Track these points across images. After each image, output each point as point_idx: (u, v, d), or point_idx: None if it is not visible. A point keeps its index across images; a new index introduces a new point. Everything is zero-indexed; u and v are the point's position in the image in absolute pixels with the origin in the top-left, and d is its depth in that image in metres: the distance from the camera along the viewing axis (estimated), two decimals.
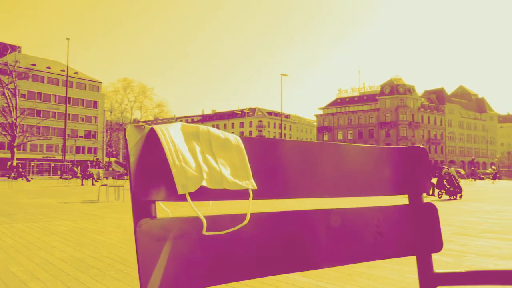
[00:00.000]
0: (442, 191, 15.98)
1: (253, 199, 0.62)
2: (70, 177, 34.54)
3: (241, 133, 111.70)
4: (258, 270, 0.62)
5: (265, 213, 0.64)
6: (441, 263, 4.24)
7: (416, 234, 0.83)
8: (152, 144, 0.57)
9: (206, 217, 0.57)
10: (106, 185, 13.78)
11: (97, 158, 63.74)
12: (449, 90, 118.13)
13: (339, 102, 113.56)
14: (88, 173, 31.26)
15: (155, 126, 0.59)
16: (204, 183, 0.57)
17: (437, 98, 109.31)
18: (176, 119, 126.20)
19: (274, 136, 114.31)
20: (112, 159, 70.38)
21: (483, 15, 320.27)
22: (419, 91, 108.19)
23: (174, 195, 0.56)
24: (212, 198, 0.59)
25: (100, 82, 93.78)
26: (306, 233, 0.69)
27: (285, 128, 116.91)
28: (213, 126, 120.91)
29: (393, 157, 0.85)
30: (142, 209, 0.55)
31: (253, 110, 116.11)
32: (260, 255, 0.63)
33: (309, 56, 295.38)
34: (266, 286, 3.45)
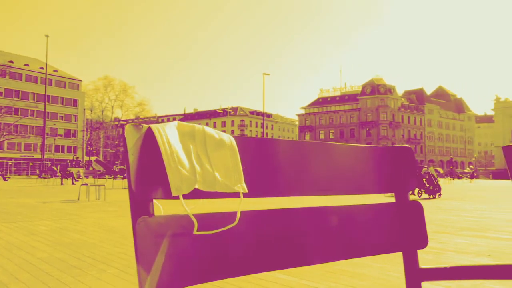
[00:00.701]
0: (422, 190, 16.25)
1: (244, 197, 0.63)
2: (49, 176, 33.99)
3: (223, 132, 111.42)
4: (250, 266, 0.63)
5: (255, 211, 0.66)
6: (421, 260, 4.32)
7: (403, 231, 0.85)
8: (149, 143, 0.58)
9: (198, 216, 0.59)
10: (87, 184, 13.61)
11: (77, 157, 62.87)
12: (428, 91, 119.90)
13: (321, 101, 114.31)
14: (68, 172, 30.83)
15: (152, 126, 0.60)
16: (197, 186, 0.59)
17: (417, 98, 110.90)
18: (158, 118, 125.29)
19: (256, 135, 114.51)
20: (93, 158, 69.52)
21: (462, 17, 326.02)
22: (399, 91, 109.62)
23: (170, 194, 0.58)
24: (204, 197, 0.61)
25: (80, 80, 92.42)
26: (296, 231, 0.71)
27: (267, 127, 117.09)
28: None
29: (380, 156, 0.88)
30: (140, 207, 0.56)
31: (235, 109, 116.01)
32: (252, 252, 0.64)
33: (291, 56, 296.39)
34: (249, 284, 3.47)
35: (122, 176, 29.54)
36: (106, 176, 38.06)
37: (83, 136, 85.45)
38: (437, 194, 16.15)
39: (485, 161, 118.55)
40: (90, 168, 48.92)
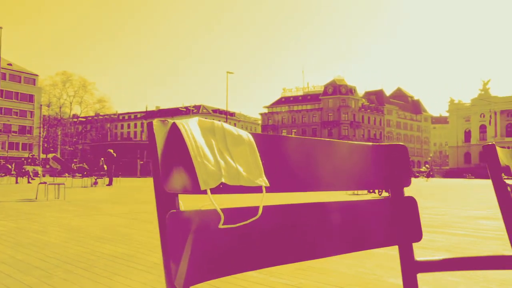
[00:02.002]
0: (383, 190, 16.71)
1: (257, 193, 0.65)
2: (4, 174, 32.63)
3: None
4: (271, 259, 0.65)
5: (272, 206, 0.68)
6: (387, 256, 4.46)
7: (398, 225, 0.89)
8: (175, 139, 0.59)
9: (223, 211, 0.60)
10: (45, 182, 13.16)
11: (33, 155, 60.67)
12: (388, 92, 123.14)
13: (284, 101, 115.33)
14: (23, 170, 29.75)
15: (176, 121, 0.61)
16: (223, 180, 0.60)
17: (376, 99, 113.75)
18: (118, 116, 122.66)
19: None
20: (50, 155, 67.16)
21: (419, 20, 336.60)
22: (360, 92, 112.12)
23: (195, 189, 0.58)
24: (227, 192, 0.62)
25: (37, 75, 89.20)
26: (308, 225, 0.73)
27: None
28: None
29: (378, 154, 0.92)
30: (167, 202, 0.56)
31: (198, 107, 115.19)
32: (272, 245, 0.66)
33: (255, 55, 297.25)
34: (221, 283, 3.47)
35: (81, 175, 28.78)
36: (66, 174, 36.96)
37: (40, 133, 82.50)
38: None
39: (439, 161, 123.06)
40: (47, 166, 47.35)
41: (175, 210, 0.56)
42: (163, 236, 0.54)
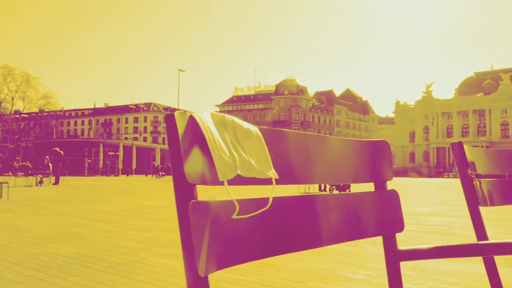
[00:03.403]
0: (333, 186, 17.13)
1: (266, 185, 0.68)
2: None
3: (135, 129, 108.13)
4: (273, 249, 0.68)
5: (277, 198, 0.70)
6: (342, 252, 4.60)
7: (383, 217, 0.95)
8: (192, 131, 0.60)
9: (238, 201, 0.62)
10: None
11: None
12: (337, 92, 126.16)
13: (236, 100, 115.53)
14: None
15: (193, 114, 0.62)
16: (238, 171, 0.62)
17: (326, 99, 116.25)
18: (65, 112, 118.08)
19: None
20: None
21: (368, 24, 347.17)
22: (311, 92, 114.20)
23: (213, 180, 0.60)
24: (239, 184, 0.64)
25: None
26: (311, 216, 0.76)
27: None
28: (106, 120, 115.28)
29: (364, 149, 0.97)
30: (187, 192, 0.58)
31: (148, 105, 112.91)
32: (274, 236, 0.69)
33: (207, 53, 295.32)
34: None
35: (24, 173, 27.50)
36: (10, 172, 35.20)
37: None
38: (347, 190, 17.11)
39: None
40: None
41: (195, 200, 0.57)
42: (184, 225, 0.55)
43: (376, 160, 0.98)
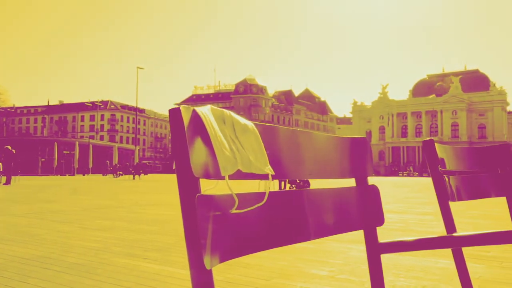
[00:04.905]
0: (294, 185, 17.34)
1: (261, 179, 0.69)
2: None
3: (92, 127, 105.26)
4: (269, 242, 0.69)
5: (271, 192, 0.72)
6: (305, 250, 4.67)
7: (364, 211, 0.98)
8: (195, 125, 0.60)
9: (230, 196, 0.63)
10: None
11: None
12: (296, 92, 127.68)
13: (195, 98, 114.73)
14: None
15: (196, 109, 0.62)
16: (238, 166, 0.63)
17: (286, 99, 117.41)
18: (16, 109, 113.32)
19: (128, 131, 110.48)
20: None
21: (325, 24, 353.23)
22: (271, 91, 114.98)
23: (216, 175, 0.61)
24: (238, 178, 0.65)
25: None
26: (302, 210, 0.78)
27: (139, 123, 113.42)
28: (60, 118, 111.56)
29: (346, 145, 1.00)
30: (192, 185, 0.58)
31: (105, 103, 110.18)
32: (269, 229, 0.70)
33: (166, 51, 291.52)
34: (152, 282, 3.42)
35: None
36: None
37: None
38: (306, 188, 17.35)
39: None
40: None
41: (200, 194, 0.58)
42: (189, 218, 0.56)
43: (357, 156, 1.01)
